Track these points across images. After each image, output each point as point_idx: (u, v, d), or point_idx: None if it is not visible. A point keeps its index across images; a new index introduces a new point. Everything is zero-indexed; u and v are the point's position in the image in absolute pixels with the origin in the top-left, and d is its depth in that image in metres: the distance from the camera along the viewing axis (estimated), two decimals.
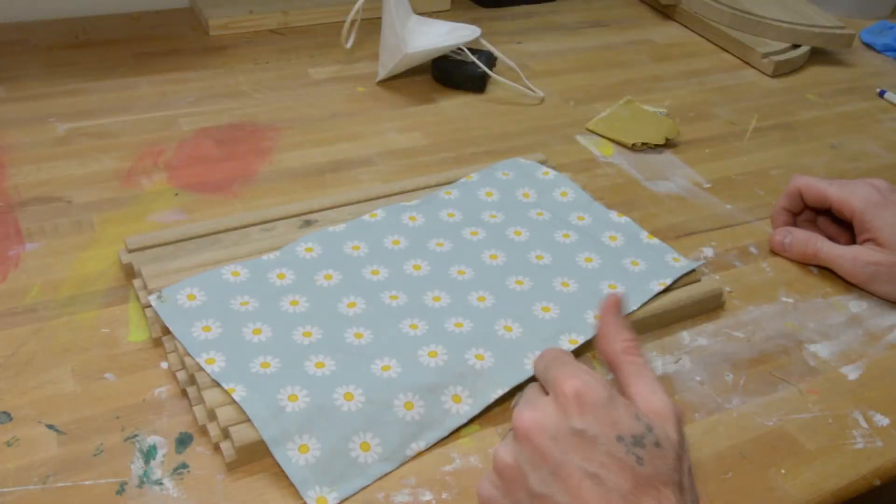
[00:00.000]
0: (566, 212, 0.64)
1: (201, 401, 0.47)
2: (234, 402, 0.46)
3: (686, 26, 1.07)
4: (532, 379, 0.50)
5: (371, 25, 0.95)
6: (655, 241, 0.62)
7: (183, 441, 0.46)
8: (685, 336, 0.57)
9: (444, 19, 0.90)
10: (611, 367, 0.42)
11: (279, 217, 0.61)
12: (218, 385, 0.47)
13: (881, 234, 0.59)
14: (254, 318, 0.51)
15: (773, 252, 0.65)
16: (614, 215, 0.64)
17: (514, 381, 0.49)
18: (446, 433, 0.47)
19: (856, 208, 0.60)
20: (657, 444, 0.36)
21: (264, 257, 0.56)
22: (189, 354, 0.49)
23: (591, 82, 0.90)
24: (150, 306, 0.53)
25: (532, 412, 0.38)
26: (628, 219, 0.64)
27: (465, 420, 0.48)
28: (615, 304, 0.44)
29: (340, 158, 0.73)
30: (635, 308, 0.55)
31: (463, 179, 0.67)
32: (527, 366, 0.50)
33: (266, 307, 0.53)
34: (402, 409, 0.47)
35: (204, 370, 0.47)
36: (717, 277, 0.62)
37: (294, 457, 0.44)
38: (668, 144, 0.79)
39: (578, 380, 0.38)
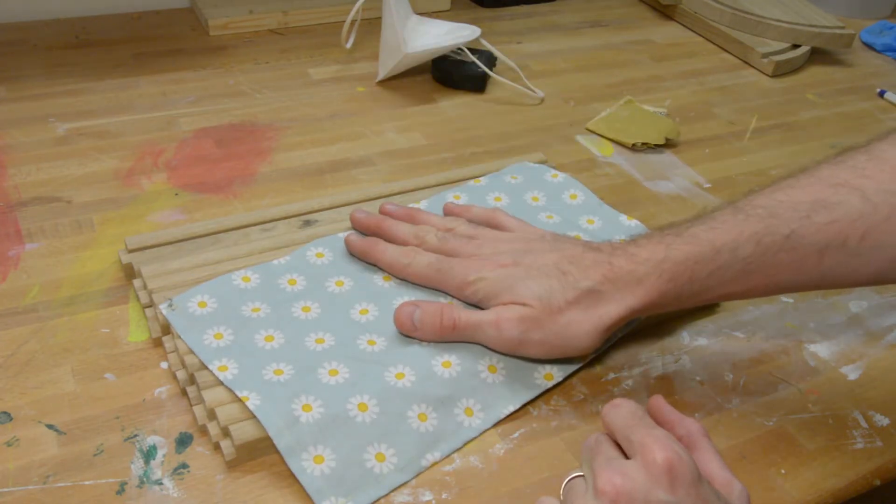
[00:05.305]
0: (576, 215, 0.64)
1: (201, 401, 0.47)
2: (235, 401, 0.46)
3: (686, 26, 1.07)
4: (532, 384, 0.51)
5: (371, 25, 0.96)
6: None
7: (183, 441, 0.46)
8: (685, 336, 0.57)
9: (444, 19, 0.90)
10: (686, 445, 0.42)
11: (279, 217, 0.61)
12: (218, 385, 0.47)
13: (518, 297, 0.50)
14: (266, 325, 0.51)
15: (405, 335, 0.51)
16: (624, 219, 0.64)
17: (525, 398, 0.50)
18: (460, 444, 0.47)
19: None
20: None
21: (275, 262, 0.56)
22: (192, 353, 0.49)
23: (591, 82, 0.90)
24: (150, 306, 0.53)
25: (621, 479, 0.37)
26: (638, 222, 0.64)
27: (476, 433, 0.48)
28: (662, 400, 0.45)
29: (340, 158, 0.73)
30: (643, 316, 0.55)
31: (471, 183, 0.67)
32: (537, 381, 0.51)
33: (278, 313, 0.52)
34: (416, 420, 0.47)
35: (215, 375, 0.47)
36: None
37: (309, 467, 0.44)
38: (668, 144, 0.79)
39: (671, 451, 0.37)
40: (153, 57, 0.87)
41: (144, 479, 0.44)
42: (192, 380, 0.48)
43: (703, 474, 0.38)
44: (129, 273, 0.56)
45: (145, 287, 0.54)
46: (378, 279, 0.56)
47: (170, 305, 0.51)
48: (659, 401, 0.45)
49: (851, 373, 0.55)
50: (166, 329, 0.52)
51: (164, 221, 0.63)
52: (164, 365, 0.51)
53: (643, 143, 0.78)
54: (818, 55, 1.01)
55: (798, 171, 0.49)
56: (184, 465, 0.45)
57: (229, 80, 0.84)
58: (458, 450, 0.47)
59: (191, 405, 0.48)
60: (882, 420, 0.51)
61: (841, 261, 0.46)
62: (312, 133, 0.76)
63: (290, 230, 0.60)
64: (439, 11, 1.03)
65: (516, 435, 0.48)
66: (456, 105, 0.83)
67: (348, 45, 0.91)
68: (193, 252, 0.57)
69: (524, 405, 0.50)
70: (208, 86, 0.82)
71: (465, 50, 0.84)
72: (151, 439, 0.46)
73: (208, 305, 0.52)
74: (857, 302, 0.61)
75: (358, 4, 0.86)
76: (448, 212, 0.61)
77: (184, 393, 0.49)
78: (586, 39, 1.01)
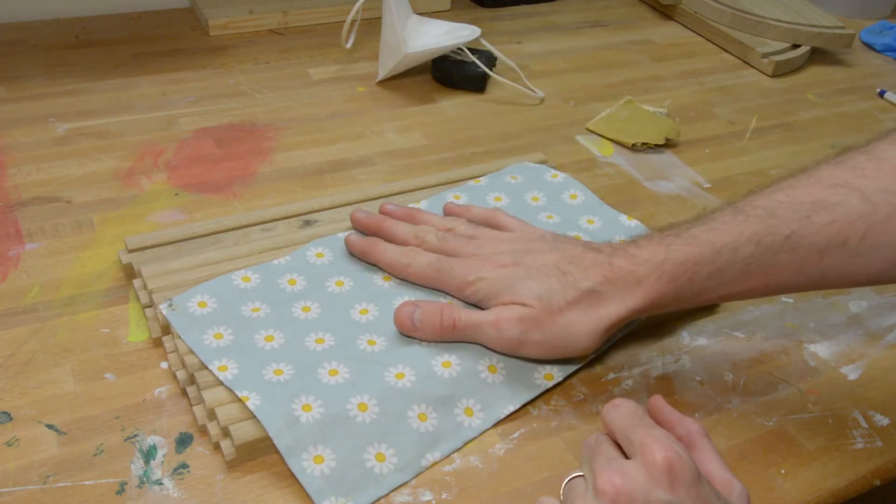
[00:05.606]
0: (576, 215, 0.64)
1: (201, 401, 0.47)
2: (235, 401, 0.46)
3: (686, 26, 1.07)
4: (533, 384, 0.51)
5: (371, 25, 0.96)
6: None
7: (183, 441, 0.46)
8: (685, 336, 0.57)
9: (444, 19, 0.90)
10: (686, 445, 0.42)
11: (279, 217, 0.61)
12: (218, 385, 0.47)
13: (518, 297, 0.50)
14: (266, 325, 0.51)
15: (405, 335, 0.52)
16: (624, 219, 0.64)
17: (525, 398, 0.50)
18: (460, 444, 0.47)
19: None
20: None
21: (275, 262, 0.56)
22: (192, 353, 0.49)
23: (591, 82, 0.90)
24: (150, 306, 0.53)
25: (621, 479, 0.37)
26: (638, 222, 0.64)
27: (476, 433, 0.48)
28: (662, 400, 0.45)
29: (340, 158, 0.73)
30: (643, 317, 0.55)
31: (471, 183, 0.67)
32: (537, 381, 0.51)
33: (278, 313, 0.52)
34: (416, 420, 0.47)
35: (215, 375, 0.47)
36: None
37: (309, 467, 0.44)
38: (668, 144, 0.79)
39: (671, 451, 0.37)
40: (153, 57, 0.87)
41: (144, 479, 0.44)
42: (192, 380, 0.48)
43: (702, 474, 0.38)
44: (129, 273, 0.56)
45: (145, 287, 0.54)
46: (378, 279, 0.56)
47: (170, 305, 0.51)
48: (659, 401, 0.45)
49: (851, 373, 0.55)
50: (166, 329, 0.52)
51: (164, 221, 0.63)
52: (164, 365, 0.51)
53: (643, 143, 0.78)
54: (818, 55, 1.01)
55: (798, 171, 0.49)
56: (184, 465, 0.45)
57: (229, 80, 0.84)
58: (458, 450, 0.47)
59: (191, 405, 0.48)
60: (882, 420, 0.51)
61: (841, 261, 0.46)
62: (312, 133, 0.76)
63: (290, 230, 0.60)
64: (439, 11, 1.03)
65: (516, 435, 0.48)
66: (456, 105, 0.83)
67: (348, 45, 0.91)
68: (193, 252, 0.57)
69: (524, 405, 0.50)
70: (208, 86, 0.82)
71: (465, 50, 0.84)
72: (151, 439, 0.46)
73: (208, 305, 0.52)
74: (857, 302, 0.61)
75: (358, 4, 0.86)
76: (448, 212, 0.61)
77: (184, 393, 0.49)
78: (586, 39, 1.01)
